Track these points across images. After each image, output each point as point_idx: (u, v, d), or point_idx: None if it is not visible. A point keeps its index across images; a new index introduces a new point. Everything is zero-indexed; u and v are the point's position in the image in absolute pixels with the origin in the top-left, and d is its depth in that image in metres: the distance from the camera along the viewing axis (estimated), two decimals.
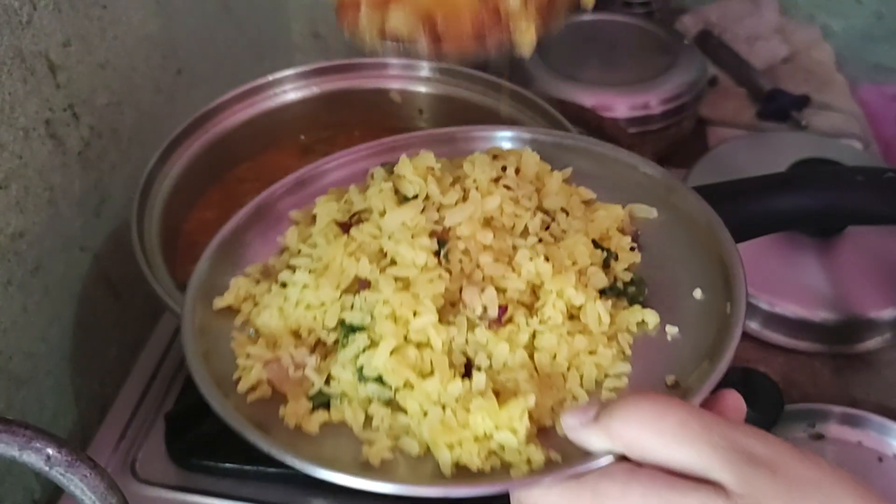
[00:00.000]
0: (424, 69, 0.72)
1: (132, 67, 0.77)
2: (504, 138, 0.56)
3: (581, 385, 0.43)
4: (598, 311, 0.45)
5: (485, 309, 0.44)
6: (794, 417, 0.81)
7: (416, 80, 0.73)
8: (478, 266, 0.46)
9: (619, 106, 1.03)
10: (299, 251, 0.49)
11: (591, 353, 0.44)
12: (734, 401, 0.39)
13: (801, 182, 0.59)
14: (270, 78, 0.72)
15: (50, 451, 0.30)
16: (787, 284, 0.91)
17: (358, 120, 0.73)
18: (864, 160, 1.03)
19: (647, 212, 0.52)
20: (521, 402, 0.39)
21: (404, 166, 0.50)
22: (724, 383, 0.65)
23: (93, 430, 0.69)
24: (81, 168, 0.71)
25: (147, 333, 0.75)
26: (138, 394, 0.66)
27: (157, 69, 0.81)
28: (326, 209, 0.50)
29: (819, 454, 0.77)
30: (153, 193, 0.63)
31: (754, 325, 0.91)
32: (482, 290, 0.44)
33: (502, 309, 0.43)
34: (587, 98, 1.01)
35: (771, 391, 0.66)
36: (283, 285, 0.47)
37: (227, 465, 0.58)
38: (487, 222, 0.47)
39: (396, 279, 0.44)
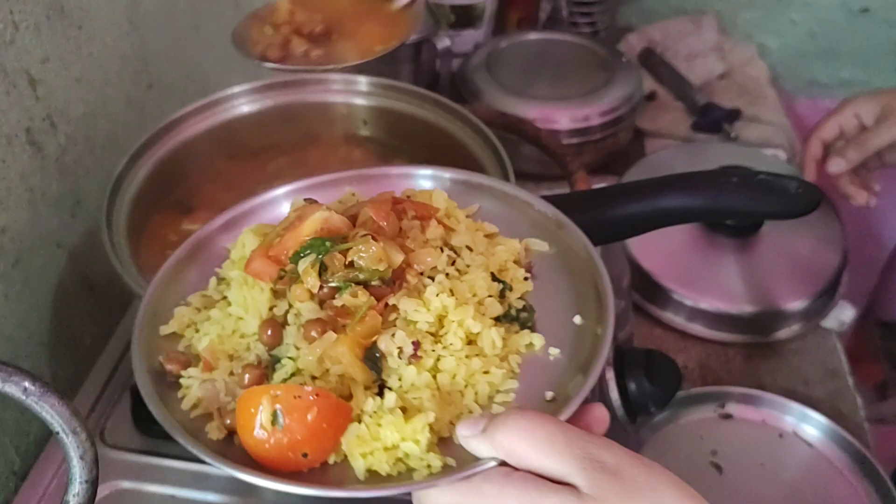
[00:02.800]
0: (363, 84, 0.81)
1: (106, 81, 0.85)
2: (422, 176, 0.62)
3: (476, 401, 0.49)
4: (492, 337, 0.50)
5: (400, 349, 0.48)
6: (706, 399, 0.90)
7: (357, 93, 0.81)
8: (392, 308, 0.50)
9: (562, 118, 1.12)
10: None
11: (485, 372, 0.50)
12: (599, 413, 0.47)
13: (686, 184, 0.67)
14: (227, 92, 0.79)
15: (26, 384, 0.38)
16: (709, 282, 1.00)
17: (308, 129, 0.81)
18: (781, 167, 1.12)
19: (541, 245, 0.58)
20: (422, 418, 0.45)
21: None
22: (631, 364, 0.74)
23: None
24: (58, 172, 0.79)
25: (117, 322, 0.83)
26: (108, 372, 0.74)
27: (129, 83, 0.89)
28: (242, 245, 0.56)
29: (727, 431, 0.86)
30: (121, 194, 0.71)
31: (679, 320, 1.00)
32: (393, 336, 0.48)
33: (416, 344, 0.48)
34: (532, 111, 1.09)
35: (671, 369, 0.73)
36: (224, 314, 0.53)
37: None
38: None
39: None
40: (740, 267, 1.00)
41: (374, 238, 0.51)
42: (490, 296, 0.53)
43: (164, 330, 0.54)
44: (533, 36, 1.27)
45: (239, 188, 0.76)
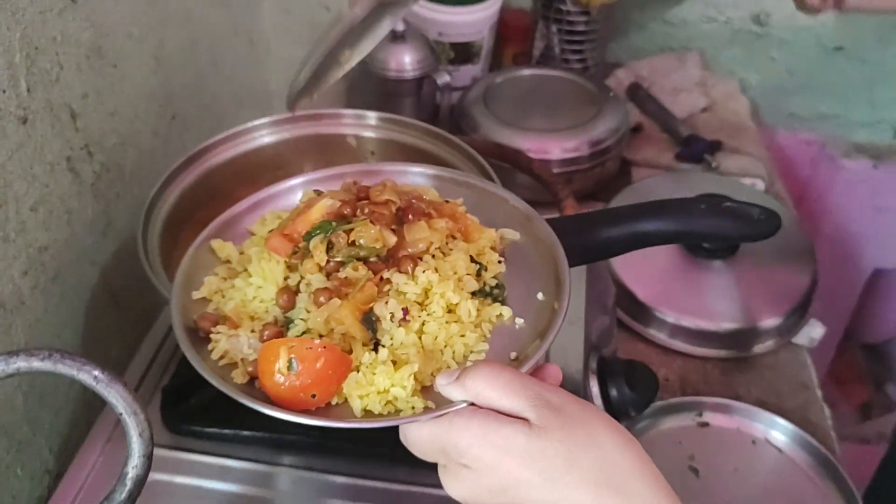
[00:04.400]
0: (372, 118, 0.89)
1: (135, 115, 0.93)
2: (414, 173, 0.72)
3: (453, 358, 0.58)
4: (468, 308, 0.60)
5: (392, 314, 0.58)
6: (684, 407, 0.97)
7: (366, 126, 0.89)
8: (386, 280, 0.60)
9: (554, 149, 1.19)
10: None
11: (462, 336, 0.59)
12: (553, 371, 0.56)
13: (661, 210, 0.74)
14: (249, 125, 0.88)
15: (96, 373, 0.45)
16: (689, 301, 1.07)
17: (321, 159, 0.89)
18: (758, 196, 1.20)
19: (513, 234, 0.68)
20: (408, 368, 0.55)
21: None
22: (612, 373, 0.81)
23: (98, 410, 0.84)
24: (93, 196, 0.86)
25: (143, 335, 0.90)
26: (137, 378, 0.81)
27: (155, 116, 0.98)
28: (263, 224, 0.68)
29: (704, 438, 0.93)
30: (154, 216, 0.79)
31: (662, 336, 1.07)
32: (386, 303, 0.58)
33: (405, 310, 0.58)
34: (526, 142, 1.17)
35: (649, 377, 0.81)
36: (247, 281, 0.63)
37: (209, 429, 0.73)
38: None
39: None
40: (719, 287, 1.08)
41: (372, 221, 0.61)
42: (468, 274, 0.62)
43: (196, 295, 0.63)
44: (527, 71, 1.35)
45: None
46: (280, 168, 0.86)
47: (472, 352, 0.59)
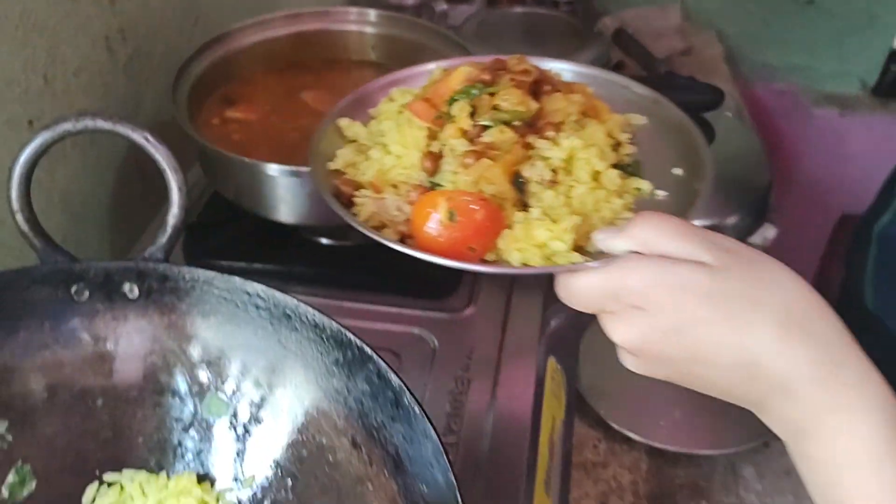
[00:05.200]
0: (373, 15, 1.01)
1: (164, 12, 1.04)
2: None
3: (602, 222, 0.57)
4: (611, 175, 0.59)
5: (541, 176, 0.58)
6: None
7: (367, 23, 1.00)
8: (530, 145, 0.59)
9: None
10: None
11: (607, 202, 0.58)
12: None
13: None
14: (259, 18, 0.99)
15: (147, 134, 0.57)
16: None
17: (327, 53, 1.01)
18: (725, 120, 1.31)
19: (639, 119, 0.68)
20: (570, 220, 0.55)
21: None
22: None
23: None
24: (125, 76, 0.97)
25: (161, 206, 1.01)
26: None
27: (181, 16, 1.09)
28: (391, 100, 0.69)
29: None
30: (182, 85, 0.90)
31: None
32: (533, 165, 0.58)
33: (554, 172, 0.58)
34: None
35: None
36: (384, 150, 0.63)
37: (225, 262, 0.84)
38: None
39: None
40: None
41: (516, 85, 0.61)
42: (607, 145, 0.62)
43: (332, 165, 0.64)
44: (519, 9, 1.47)
45: (271, 90, 0.96)
46: (289, 57, 0.98)
47: (618, 218, 0.58)
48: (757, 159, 1.24)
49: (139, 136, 0.57)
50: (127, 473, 0.60)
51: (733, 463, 0.88)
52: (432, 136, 0.62)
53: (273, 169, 0.78)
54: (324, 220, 0.83)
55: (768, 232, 1.18)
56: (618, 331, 0.50)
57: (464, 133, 0.59)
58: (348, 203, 0.61)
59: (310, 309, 0.59)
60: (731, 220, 1.16)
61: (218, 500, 0.59)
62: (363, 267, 0.86)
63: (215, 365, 0.61)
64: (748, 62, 1.74)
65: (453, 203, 0.54)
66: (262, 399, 0.61)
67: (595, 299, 0.51)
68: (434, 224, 0.53)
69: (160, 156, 0.58)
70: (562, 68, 0.71)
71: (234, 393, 0.61)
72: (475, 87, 0.61)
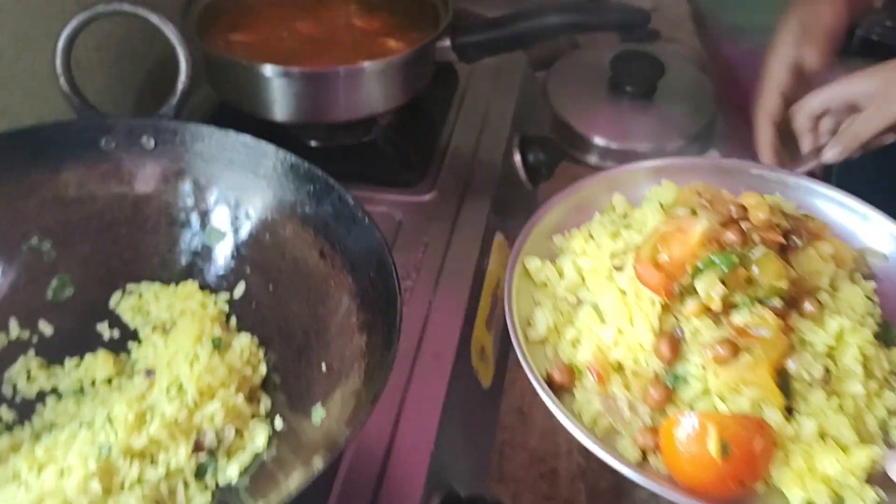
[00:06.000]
0: None
1: None
2: (790, 185, 0.64)
3: (878, 427, 0.47)
4: (879, 360, 0.49)
5: (809, 373, 0.47)
6: None
7: None
8: (791, 328, 0.48)
9: None
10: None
11: (877, 396, 0.48)
12: None
13: (562, 8, 0.99)
14: None
15: (162, 16, 0.74)
16: (616, 130, 1.33)
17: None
18: (687, 65, 1.46)
19: (877, 254, 0.57)
20: (868, 452, 0.44)
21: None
22: (531, 145, 1.08)
23: None
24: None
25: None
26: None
27: None
28: (581, 244, 0.60)
29: None
30: (192, 9, 1.05)
31: (594, 159, 1.33)
32: (799, 357, 0.47)
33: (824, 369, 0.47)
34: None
35: (556, 147, 1.08)
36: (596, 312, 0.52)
37: None
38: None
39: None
40: (639, 120, 1.34)
41: (775, 254, 0.49)
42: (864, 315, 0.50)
43: (534, 336, 0.57)
44: None
45: (269, 20, 1.10)
46: None
47: (893, 415, 0.48)
48: (704, 96, 1.39)
49: (155, 18, 0.74)
50: (144, 284, 0.77)
51: None
52: (665, 308, 0.52)
53: (268, 70, 0.94)
54: (311, 117, 0.99)
55: (712, 154, 1.32)
56: None
57: (707, 311, 0.49)
58: (560, 388, 0.51)
59: (288, 153, 0.75)
60: (680, 144, 1.30)
61: (215, 303, 0.75)
62: (346, 162, 1.02)
63: (218, 202, 0.77)
64: (716, 22, 1.87)
65: (728, 434, 0.44)
66: (252, 227, 0.77)
67: None
68: (701, 456, 0.43)
69: (171, 33, 0.74)
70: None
71: (232, 221, 0.77)
72: (726, 256, 0.50)
